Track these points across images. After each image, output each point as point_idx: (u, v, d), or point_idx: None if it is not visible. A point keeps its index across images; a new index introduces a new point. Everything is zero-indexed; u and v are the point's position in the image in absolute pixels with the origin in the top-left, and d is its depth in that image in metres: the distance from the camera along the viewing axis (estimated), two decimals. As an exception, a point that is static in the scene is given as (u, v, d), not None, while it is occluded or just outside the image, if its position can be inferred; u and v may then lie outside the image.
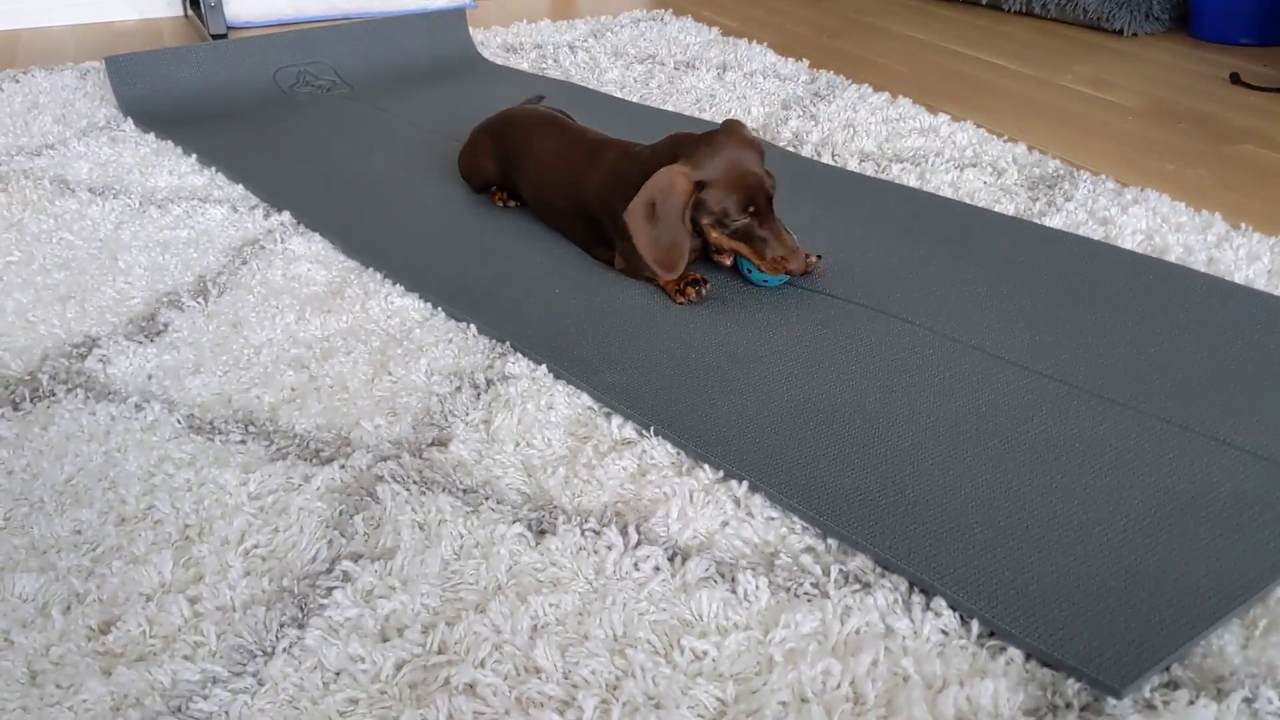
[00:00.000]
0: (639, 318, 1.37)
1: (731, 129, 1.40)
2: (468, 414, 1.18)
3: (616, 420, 1.16)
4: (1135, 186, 1.74)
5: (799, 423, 1.15)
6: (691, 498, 1.04)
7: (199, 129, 2.07)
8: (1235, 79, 2.38)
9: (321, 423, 1.16)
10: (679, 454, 1.11)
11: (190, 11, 3.11)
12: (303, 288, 1.46)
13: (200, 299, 1.43)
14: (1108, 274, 1.46)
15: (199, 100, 2.21)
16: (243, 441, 1.14)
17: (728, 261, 1.44)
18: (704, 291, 1.41)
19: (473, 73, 2.44)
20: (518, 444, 1.13)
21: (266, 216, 1.68)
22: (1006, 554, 0.95)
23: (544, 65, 2.51)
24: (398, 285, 1.46)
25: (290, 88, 2.31)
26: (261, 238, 1.60)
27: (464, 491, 1.05)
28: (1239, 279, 1.44)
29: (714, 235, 1.39)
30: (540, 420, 1.16)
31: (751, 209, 1.35)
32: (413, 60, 2.45)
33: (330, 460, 1.10)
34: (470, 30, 2.60)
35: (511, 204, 1.71)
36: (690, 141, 1.39)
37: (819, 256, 1.48)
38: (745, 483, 1.05)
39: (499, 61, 2.53)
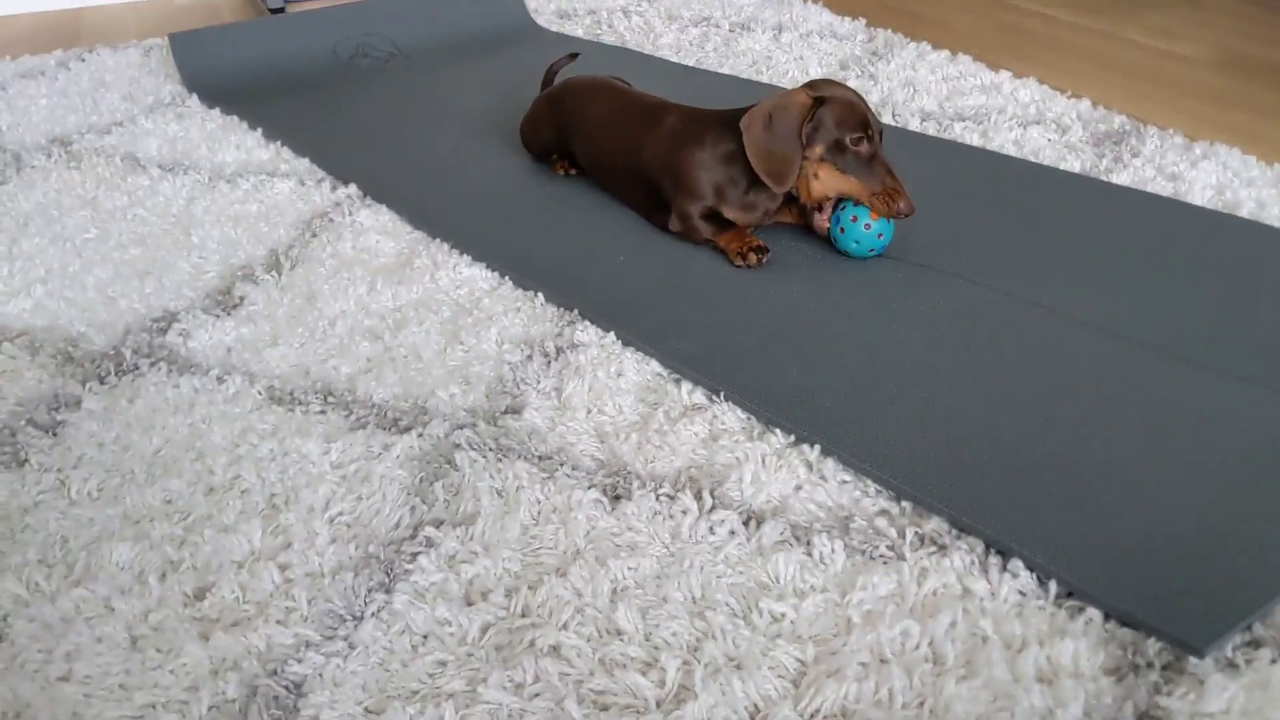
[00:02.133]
0: (704, 284, 1.38)
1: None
2: (539, 382, 1.19)
3: (686, 386, 1.17)
4: (1204, 141, 1.71)
5: (869, 387, 1.15)
6: (764, 462, 1.05)
7: (262, 103, 2.10)
8: (1307, 26, 2.32)
9: (398, 392, 1.19)
10: (749, 419, 1.12)
11: (248, -14, 3.13)
12: (373, 259, 1.48)
13: (273, 272, 1.45)
14: (1179, 231, 1.44)
15: (261, 75, 2.24)
16: (323, 412, 1.16)
17: (825, 221, 1.43)
18: (764, 260, 1.41)
19: (527, 40, 2.44)
20: (589, 411, 1.14)
21: (333, 189, 1.70)
22: (1083, 514, 0.95)
23: (598, 31, 2.50)
24: (465, 255, 1.47)
25: (349, 60, 2.33)
26: (330, 210, 1.62)
27: (539, 458, 1.07)
28: (1315, 234, 1.42)
29: (822, 170, 1.38)
30: (611, 387, 1.18)
31: (870, 133, 1.35)
32: (468, 29, 2.46)
33: (408, 429, 1.12)
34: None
35: (573, 172, 1.72)
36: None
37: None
38: (817, 447, 1.06)
39: (554, 29, 2.53)
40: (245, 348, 1.28)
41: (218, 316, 1.35)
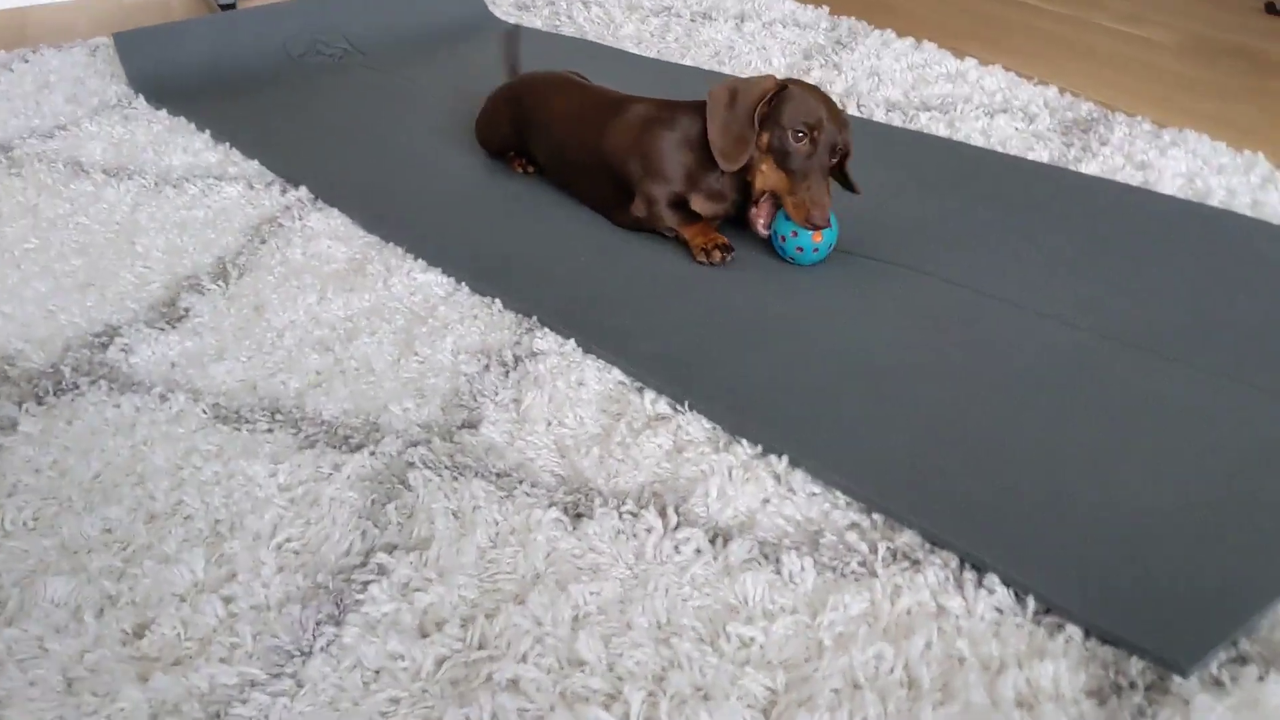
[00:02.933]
0: (668, 285, 1.33)
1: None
2: (497, 393, 1.15)
3: (649, 394, 1.13)
4: (1173, 128, 1.69)
5: (837, 390, 1.12)
6: (730, 475, 1.01)
7: (211, 103, 2.03)
8: (1271, 9, 2.31)
9: (349, 407, 1.14)
10: (715, 429, 1.08)
11: (199, -20, 3.05)
12: (323, 266, 1.43)
13: (220, 281, 1.40)
14: (1149, 221, 1.41)
15: (209, 74, 2.17)
16: (270, 430, 1.11)
17: (763, 225, 1.39)
18: (728, 259, 1.37)
19: (485, 33, 2.38)
20: (549, 423, 1.10)
21: (283, 192, 1.65)
22: (1060, 524, 0.92)
23: (557, 23, 2.45)
24: (419, 260, 1.42)
25: (301, 57, 2.27)
26: (279, 215, 1.57)
27: (497, 476, 1.03)
28: (1287, 222, 1.40)
29: (765, 161, 1.35)
30: (571, 398, 1.14)
31: (813, 134, 1.32)
32: (423, 23, 2.40)
33: (360, 447, 1.08)
34: (482, -11, 2.54)
35: (530, 170, 1.67)
36: None
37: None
38: (785, 457, 1.02)
39: (512, 20, 2.47)
40: (190, 363, 1.23)
41: (161, 330, 1.30)
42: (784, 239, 1.35)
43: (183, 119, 1.95)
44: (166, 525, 0.99)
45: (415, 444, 1.07)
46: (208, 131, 1.88)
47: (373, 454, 1.06)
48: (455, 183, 1.66)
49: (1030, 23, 2.34)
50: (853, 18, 2.33)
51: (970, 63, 2.02)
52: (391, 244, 1.47)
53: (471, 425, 1.11)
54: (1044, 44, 2.19)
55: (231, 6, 2.71)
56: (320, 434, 1.10)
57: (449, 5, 2.45)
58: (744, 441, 1.05)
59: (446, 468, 1.04)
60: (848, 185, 1.41)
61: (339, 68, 2.22)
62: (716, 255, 1.37)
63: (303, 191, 1.63)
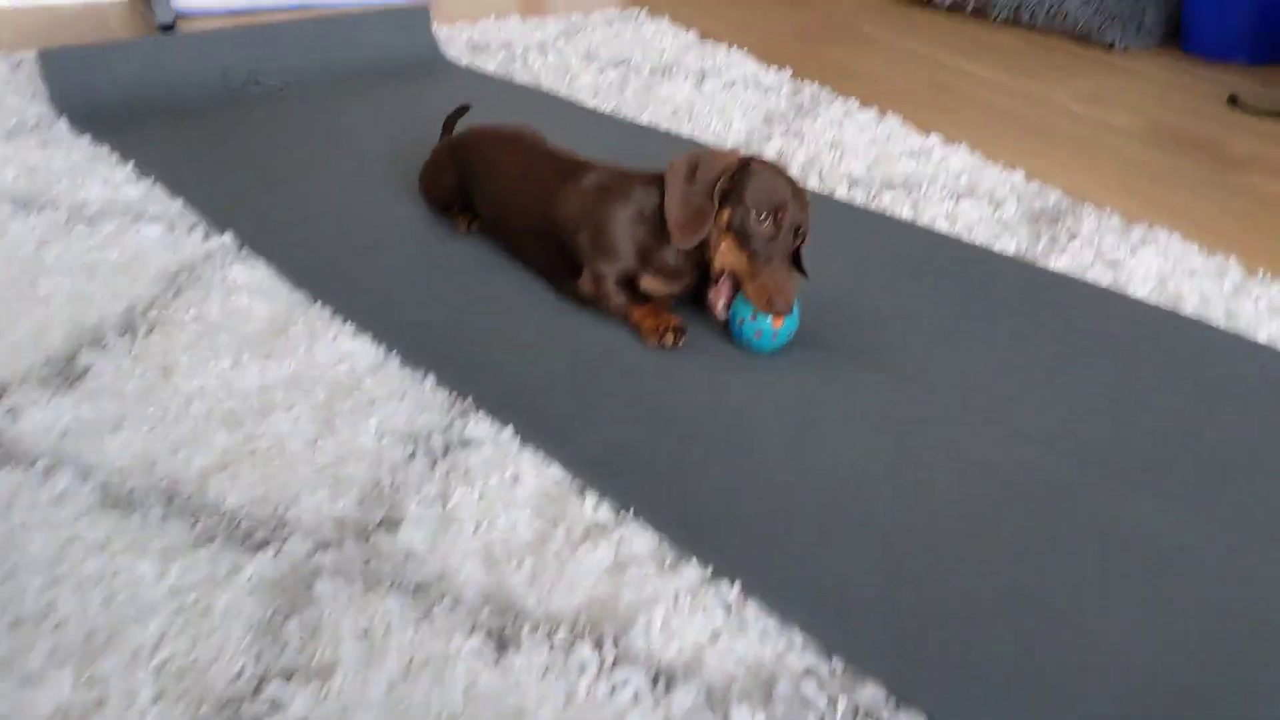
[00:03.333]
0: (617, 369, 1.24)
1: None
2: (421, 487, 1.05)
3: (591, 498, 1.04)
4: (1143, 222, 1.64)
5: (796, 504, 1.03)
6: (676, 602, 0.91)
7: (139, 132, 1.91)
8: (1234, 101, 2.29)
9: (256, 496, 1.03)
10: (662, 542, 0.98)
11: (138, -3, 2.92)
12: (242, 324, 1.32)
13: (127, 336, 1.28)
14: (1122, 327, 1.35)
15: (140, 99, 2.05)
16: (164, 519, 1.00)
17: (722, 308, 1.29)
18: (681, 342, 1.29)
19: (436, 75, 2.29)
20: (478, 526, 1.00)
21: (206, 238, 1.53)
22: (1044, 682, 0.83)
23: (512, 67, 2.36)
24: (348, 323, 1.32)
25: (240, 87, 2.15)
26: (199, 263, 1.45)
27: (415, 589, 0.92)
28: (1261, 337, 1.34)
29: (725, 239, 1.27)
30: (504, 497, 1.03)
31: (777, 216, 1.24)
32: (371, 59, 2.30)
33: (263, 545, 0.96)
34: (434, 27, 2.45)
35: (475, 227, 1.58)
36: None
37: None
38: (738, 584, 0.92)
39: (464, 62, 2.38)
40: (83, 432, 1.11)
41: (56, 391, 1.18)
42: (743, 321, 1.27)
43: (106, 148, 1.83)
44: (34, 635, 0.87)
45: (326, 545, 0.96)
46: (131, 163, 1.76)
47: (277, 555, 0.95)
48: (394, 238, 1.55)
49: (993, 99, 2.30)
50: (815, 83, 2.27)
51: (934, 139, 1.96)
52: (319, 303, 1.36)
53: (391, 524, 1.00)
54: (1008, 123, 2.14)
55: (171, 28, 2.59)
56: (220, 527, 0.99)
57: (399, 42, 2.35)
58: (693, 560, 0.95)
59: (359, 577, 0.93)
60: (798, 267, 1.33)
61: (279, 101, 2.11)
62: (669, 338, 1.28)
63: (227, 238, 1.52)
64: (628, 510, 1.01)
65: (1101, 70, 2.55)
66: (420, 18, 2.39)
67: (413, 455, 1.09)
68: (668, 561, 0.96)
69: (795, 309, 1.27)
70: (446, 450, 1.10)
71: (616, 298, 1.33)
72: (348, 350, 1.27)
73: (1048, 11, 2.79)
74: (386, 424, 1.14)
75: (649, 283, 1.33)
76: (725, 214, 1.26)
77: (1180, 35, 2.71)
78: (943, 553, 0.97)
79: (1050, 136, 2.08)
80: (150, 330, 1.30)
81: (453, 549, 0.97)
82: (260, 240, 1.52)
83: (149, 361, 1.24)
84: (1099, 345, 1.31)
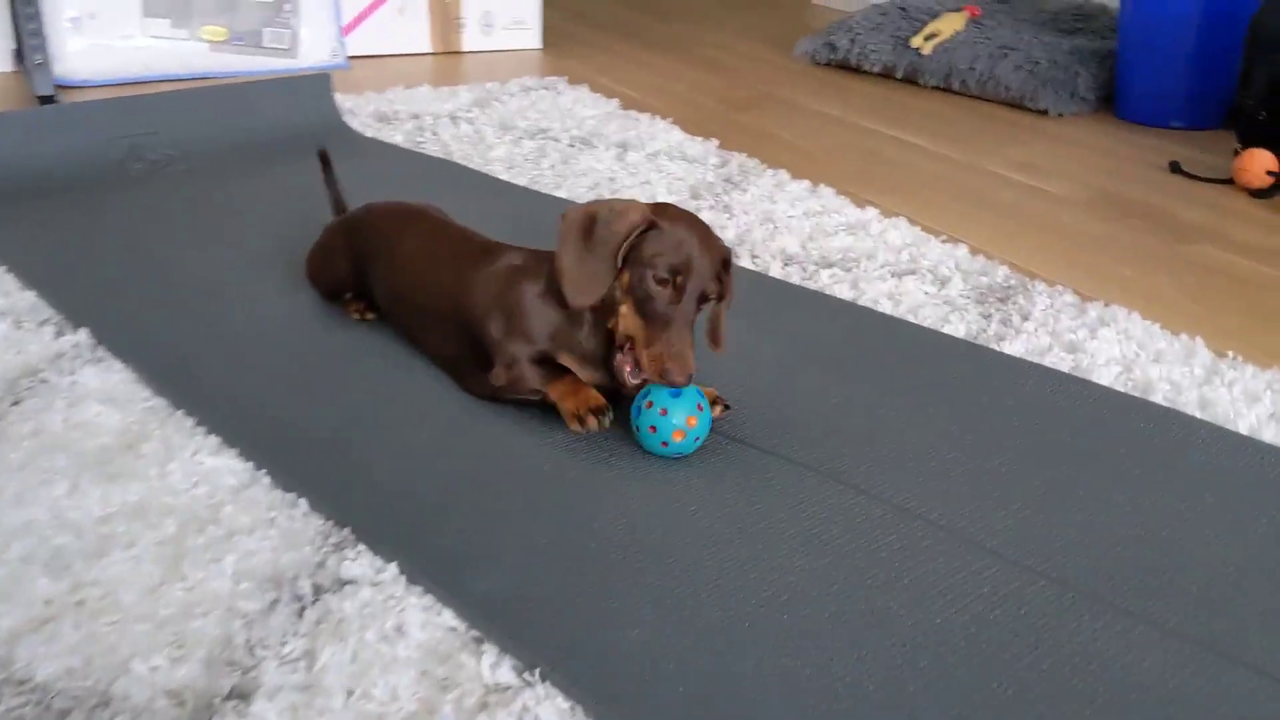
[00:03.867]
0: (528, 486, 1.07)
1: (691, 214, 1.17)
2: (284, 644, 0.86)
3: (490, 653, 0.86)
4: (1098, 301, 1.51)
5: (737, 648, 0.86)
6: (591, 794, 0.74)
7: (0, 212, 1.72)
8: (1176, 168, 2.21)
9: (75, 665, 0.84)
10: (574, 710, 0.81)
11: (20, 66, 2.74)
12: (86, 440, 1.13)
13: (-54, 457, 1.09)
14: (1090, 420, 1.21)
15: (5, 179, 1.85)
16: (-43, 697, 0.80)
17: (628, 376, 1.13)
18: (605, 422, 1.14)
19: (338, 147, 2.11)
20: (350, 695, 0.82)
21: (58, 335, 1.34)
22: None
23: (421, 139, 2.21)
24: (212, 436, 1.14)
25: (121, 163, 1.97)
26: (45, 366, 1.26)
27: (265, 788, 0.74)
28: (1243, 428, 1.21)
29: (625, 302, 1.12)
30: (384, 655, 0.86)
31: (677, 280, 1.09)
32: (268, 132, 2.13)
33: (77, 732, 0.78)
34: (338, 97, 2.29)
35: (370, 316, 1.41)
36: None
37: (726, 407, 1.19)
38: (666, 768, 0.75)
39: (369, 134, 2.22)
40: None
41: None
42: (649, 405, 1.11)
43: (-46, 233, 1.63)
44: None
45: (158, 730, 0.78)
46: (-18, 251, 1.57)
47: (94, 745, 0.76)
48: (276, 333, 1.38)
49: (927, 168, 2.19)
50: (744, 154, 2.15)
51: (872, 213, 1.84)
52: (181, 412, 1.18)
53: (242, 696, 0.81)
54: (945, 194, 2.03)
55: (50, 100, 2.40)
56: (26, 708, 0.79)
57: (298, 114, 2.19)
58: (613, 738, 0.78)
59: (195, 772, 0.74)
60: (714, 336, 1.18)
61: (163, 179, 1.93)
62: (592, 421, 1.13)
63: (82, 336, 1.33)
64: (534, 670, 0.84)
65: (1037, 137, 2.46)
66: (320, 86, 2.23)
67: (274, 603, 0.91)
68: (582, 738, 0.79)
69: (706, 410, 1.11)
70: (317, 595, 0.92)
71: (532, 380, 1.17)
72: (209, 469, 1.08)
73: (979, 78, 2.71)
74: (246, 563, 0.95)
75: (569, 360, 1.18)
76: (626, 276, 1.11)
77: (1114, 101, 2.65)
78: (909, 700, 0.81)
79: (991, 207, 1.97)
80: (-26, 450, 1.11)
81: (316, 729, 0.79)
82: (121, 338, 1.33)
83: (-33, 489, 1.04)
84: (1067, 439, 1.17)
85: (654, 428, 1.10)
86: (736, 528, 1.01)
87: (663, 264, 1.09)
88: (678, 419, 1.09)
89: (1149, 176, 2.19)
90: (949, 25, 2.84)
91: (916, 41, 2.85)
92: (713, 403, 1.17)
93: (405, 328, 1.35)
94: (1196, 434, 1.19)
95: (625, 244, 1.11)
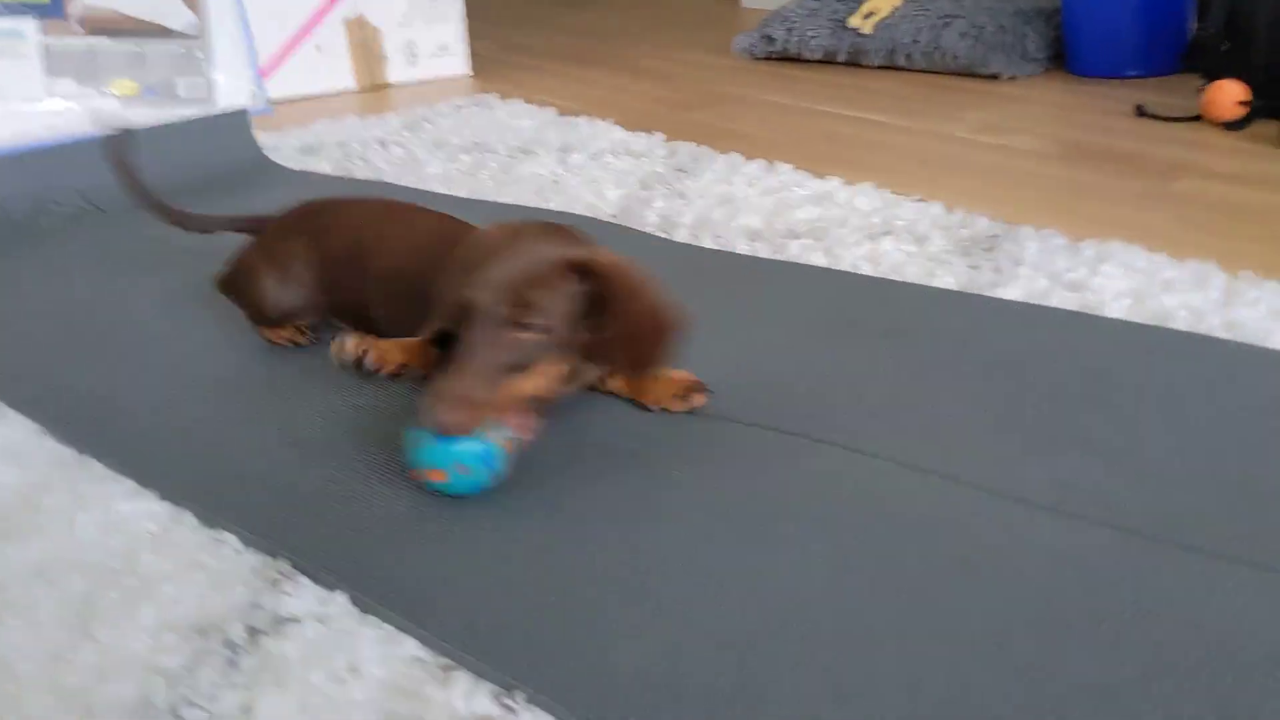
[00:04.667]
0: (489, 501, 0.93)
1: (525, 230, 0.96)
2: (215, 699, 0.72)
3: (462, 681, 0.72)
4: (1092, 239, 1.40)
5: (758, 652, 0.72)
6: (600, 836, 0.60)
7: (-110, 282, 1.57)
8: (1142, 111, 2.11)
9: (-41, 754, 0.69)
10: (568, 735, 0.67)
11: (-79, 143, 2.58)
12: (-19, 499, 0.98)
13: None
14: (1113, 356, 1.09)
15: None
16: None
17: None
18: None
19: (260, 182, 1.99)
20: (299, 751, 0.67)
21: (-49, 394, 1.19)
22: None
23: (350, 165, 2.08)
24: (127, 481, 0.99)
25: (25, 219, 1.82)
26: (-68, 429, 1.11)
27: None
28: (1278, 344, 1.09)
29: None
30: (336, 699, 0.71)
31: (466, 297, 0.91)
32: (186, 173, 1.98)
33: (-40, 836, 0.63)
34: (261, 136, 2.15)
35: (314, 338, 1.25)
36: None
37: (709, 392, 1.03)
38: (688, 792, 0.61)
39: (294, 166, 2.08)
40: None
41: None
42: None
43: None
44: None
45: (59, 821, 0.63)
46: None
47: None
48: (192, 367, 1.24)
49: (889, 139, 2.09)
50: (693, 143, 2.03)
51: (834, 182, 1.72)
52: (88, 458, 1.03)
53: (166, 768, 0.67)
54: (910, 160, 1.92)
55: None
56: (-104, 815, 0.64)
57: (215, 152, 2.05)
58: (618, 764, 0.64)
59: None
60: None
61: (74, 230, 1.78)
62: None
63: (-24, 392, 1.18)
64: (517, 695, 0.70)
65: (993, 101, 2.36)
66: (237, 122, 2.09)
67: (203, 655, 0.76)
68: (582, 768, 0.65)
69: (491, 451, 0.91)
70: (253, 638, 0.77)
71: None
72: (124, 515, 0.94)
73: (925, 50, 2.61)
74: (167, 614, 0.81)
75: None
76: None
77: (1066, 58, 2.56)
78: (960, 693, 0.67)
79: (959, 168, 1.86)
80: None
81: (257, 797, 0.64)
82: (20, 390, 1.19)
83: None
84: (1092, 381, 1.05)
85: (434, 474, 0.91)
86: (739, 518, 0.88)
87: (444, 298, 0.94)
88: (443, 462, 0.90)
89: (1115, 124, 2.09)
90: (887, 1, 2.75)
91: (855, 21, 2.75)
92: (692, 391, 1.03)
93: (398, 327, 1.14)
94: (1230, 355, 1.07)
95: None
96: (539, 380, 0.92)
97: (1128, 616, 0.73)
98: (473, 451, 0.89)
